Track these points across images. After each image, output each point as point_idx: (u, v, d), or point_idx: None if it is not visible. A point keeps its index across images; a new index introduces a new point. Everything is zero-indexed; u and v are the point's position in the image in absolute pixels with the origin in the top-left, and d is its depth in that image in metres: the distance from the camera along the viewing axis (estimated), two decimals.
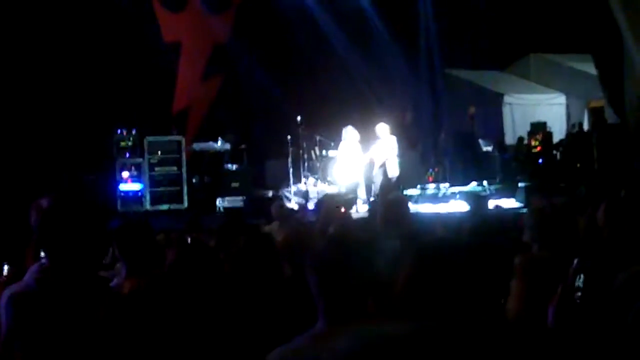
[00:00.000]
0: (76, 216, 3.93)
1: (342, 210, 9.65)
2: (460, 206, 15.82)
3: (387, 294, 3.39)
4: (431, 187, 18.63)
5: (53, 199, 3.97)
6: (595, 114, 19.79)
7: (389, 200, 7.88)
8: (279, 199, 17.40)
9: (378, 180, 17.68)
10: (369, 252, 3.26)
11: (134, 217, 11.23)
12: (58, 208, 3.93)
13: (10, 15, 17.57)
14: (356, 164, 17.51)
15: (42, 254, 4.17)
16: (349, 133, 17.62)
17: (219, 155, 19.38)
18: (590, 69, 20.22)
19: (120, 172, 17.98)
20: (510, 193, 16.97)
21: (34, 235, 3.97)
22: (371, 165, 17.74)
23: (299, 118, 18.76)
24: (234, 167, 19.26)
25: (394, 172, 17.65)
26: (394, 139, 17.74)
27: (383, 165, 17.60)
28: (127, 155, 18.17)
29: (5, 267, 8.37)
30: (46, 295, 3.79)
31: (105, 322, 3.84)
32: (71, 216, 3.92)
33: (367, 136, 17.88)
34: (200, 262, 4.82)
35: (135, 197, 18.06)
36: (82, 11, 18.57)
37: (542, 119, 21.35)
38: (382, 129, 17.67)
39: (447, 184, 18.47)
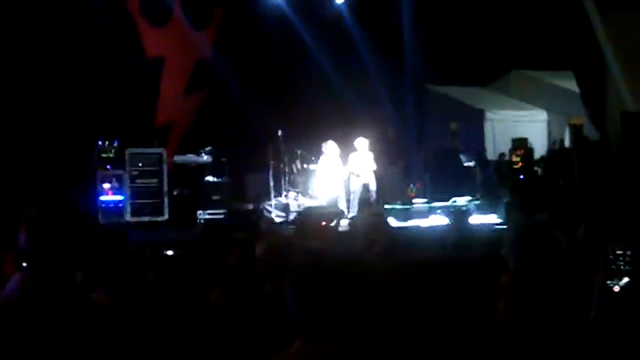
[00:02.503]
0: (63, 227, 3.92)
1: (324, 224, 9.62)
2: (441, 221, 15.86)
3: (367, 311, 3.36)
4: (412, 202, 18.64)
5: (40, 210, 3.96)
6: (575, 131, 19.86)
7: (368, 214, 7.87)
8: (260, 212, 17.42)
9: (357, 194, 17.71)
10: (347, 267, 3.21)
11: (111, 229, 11.17)
12: (45, 219, 3.92)
13: None
14: (336, 178, 17.53)
15: (24, 263, 4.13)
16: (330, 147, 17.66)
17: (200, 168, 19.34)
18: (572, 85, 20.31)
19: (101, 184, 17.92)
20: (492, 209, 17.03)
21: (18, 244, 3.94)
22: (350, 179, 17.77)
23: (279, 132, 18.75)
24: (215, 180, 19.22)
25: (373, 185, 17.71)
26: (371, 155, 17.80)
27: (362, 180, 17.63)
28: (109, 166, 18.10)
29: None
30: (28, 305, 3.76)
31: (87, 335, 3.81)
32: (58, 227, 3.90)
33: (348, 151, 17.91)
34: (181, 279, 4.78)
35: (116, 208, 18.00)
36: (66, 23, 18.56)
37: (523, 135, 21.41)
38: (361, 143, 17.73)
39: (427, 199, 18.50)
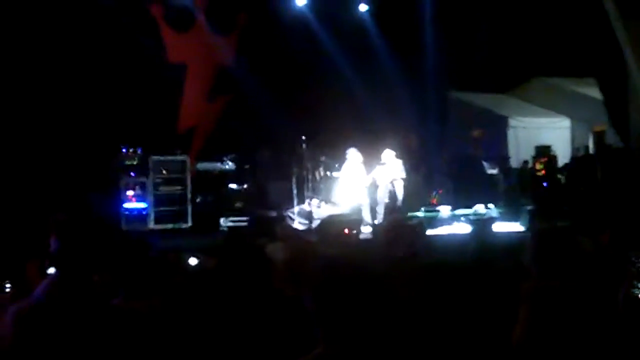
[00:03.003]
0: (92, 233, 3.97)
1: (346, 231, 9.63)
2: (463, 229, 15.82)
3: (383, 317, 3.38)
4: (435, 209, 18.62)
5: (71, 216, 4.01)
6: (598, 138, 19.81)
7: (393, 222, 7.87)
8: (283, 219, 17.41)
9: (383, 202, 17.68)
10: (369, 275, 3.24)
11: (133, 236, 11.21)
12: (76, 225, 3.98)
13: (17, 33, 17.65)
14: (359, 185, 17.52)
15: (51, 269, 4.18)
16: (352, 155, 17.63)
17: (223, 175, 19.39)
18: (594, 92, 20.25)
19: (125, 191, 17.97)
20: (514, 216, 16.96)
21: (48, 250, 4.00)
22: (375, 187, 17.74)
23: (303, 139, 18.78)
24: (238, 187, 19.26)
25: (400, 194, 17.69)
26: (399, 162, 17.76)
27: (390, 187, 17.61)
28: (132, 174, 18.14)
29: (8, 285, 8.35)
30: (57, 309, 3.81)
31: (111, 339, 3.85)
32: (87, 233, 3.96)
33: (371, 158, 17.88)
34: (203, 285, 4.81)
35: (140, 215, 18.02)
36: (90, 30, 18.64)
37: (546, 142, 21.35)
38: (388, 155, 17.69)
39: (450, 207, 18.47)
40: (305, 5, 22.99)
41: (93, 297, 3.95)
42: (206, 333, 4.55)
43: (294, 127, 20.15)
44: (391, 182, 17.67)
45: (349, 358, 3.05)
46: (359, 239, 10.85)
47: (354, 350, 3.08)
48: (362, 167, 17.61)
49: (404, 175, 17.78)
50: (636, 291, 4.47)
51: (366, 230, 16.17)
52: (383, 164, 17.65)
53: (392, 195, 17.73)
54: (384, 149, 17.79)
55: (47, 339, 3.75)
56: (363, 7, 24.08)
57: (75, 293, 3.88)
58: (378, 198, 17.75)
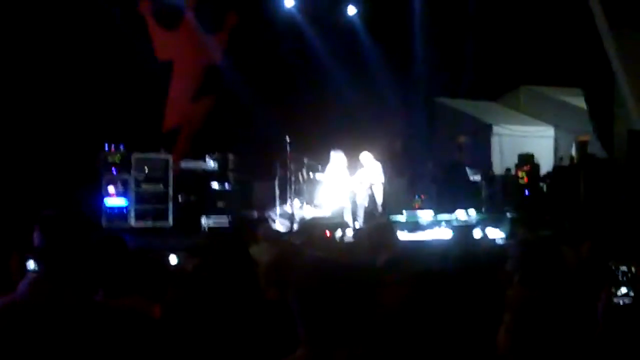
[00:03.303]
0: (76, 229, 3.95)
1: (328, 234, 9.64)
2: (445, 234, 15.85)
3: (368, 320, 3.36)
4: (417, 214, 18.62)
5: (56, 211, 4.00)
6: (581, 148, 19.86)
7: (375, 225, 7.87)
8: (265, 220, 17.38)
9: (363, 206, 17.69)
10: (350, 278, 3.21)
11: (110, 234, 11.14)
12: (61, 220, 3.96)
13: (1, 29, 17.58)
14: (343, 188, 17.51)
15: (32, 266, 4.15)
16: (336, 157, 17.63)
17: (206, 174, 19.34)
18: (580, 102, 20.32)
19: (106, 188, 17.90)
20: (496, 223, 17.00)
21: (30, 246, 3.96)
22: (355, 191, 17.75)
23: (287, 140, 18.75)
24: (221, 186, 19.22)
25: (379, 198, 17.68)
26: (379, 165, 17.77)
27: (369, 191, 17.61)
28: (114, 170, 18.07)
29: None
30: (41, 307, 3.77)
31: (99, 336, 3.82)
32: (72, 229, 3.94)
33: (355, 161, 17.89)
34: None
35: (120, 213, 17.96)
36: (75, 25, 18.57)
37: (530, 150, 21.40)
38: (365, 157, 17.70)
39: (432, 212, 18.48)
40: (294, 6, 22.98)
41: (78, 294, 3.91)
42: (189, 334, 4.52)
43: (278, 128, 20.13)
44: (370, 187, 17.66)
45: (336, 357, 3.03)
46: (343, 241, 10.86)
47: (336, 353, 3.05)
48: (346, 170, 17.61)
49: (382, 179, 17.78)
50: (616, 299, 4.47)
51: (348, 233, 16.18)
52: (361, 165, 17.66)
53: (371, 199, 17.74)
54: (363, 152, 17.79)
55: (30, 336, 3.72)
56: (352, 10, 24.09)
57: (59, 290, 3.85)
58: (358, 201, 17.75)
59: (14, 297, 3.90)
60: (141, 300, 4.74)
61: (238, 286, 5.17)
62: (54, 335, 3.72)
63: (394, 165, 18.99)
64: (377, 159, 17.88)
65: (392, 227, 8.13)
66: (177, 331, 4.47)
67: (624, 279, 4.67)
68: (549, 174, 20.53)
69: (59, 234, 3.93)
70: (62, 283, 3.87)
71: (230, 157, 19.80)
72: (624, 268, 4.69)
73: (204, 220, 18.18)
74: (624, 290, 4.54)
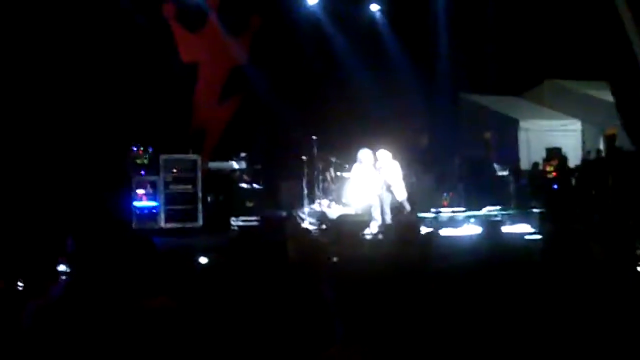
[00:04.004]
0: (106, 234, 4.03)
1: (356, 231, 9.67)
2: (474, 230, 15.83)
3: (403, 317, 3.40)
4: (446, 211, 18.61)
5: (89, 218, 4.12)
6: (609, 141, 19.78)
7: (402, 222, 7.91)
8: (294, 219, 17.41)
9: (386, 203, 17.66)
10: (383, 274, 3.26)
11: (139, 235, 11.16)
12: (91, 225, 4.07)
13: (32, 32, 17.73)
14: (370, 186, 17.49)
15: (62, 267, 4.22)
16: (365, 155, 17.58)
17: (234, 174, 19.40)
18: (607, 96, 20.23)
19: (136, 190, 18.00)
20: (525, 218, 16.96)
21: (62, 249, 4.05)
22: (381, 188, 17.72)
23: (314, 139, 18.78)
24: (249, 186, 19.28)
25: (401, 195, 17.61)
26: (396, 163, 17.72)
27: (389, 190, 17.58)
28: (143, 172, 18.16)
29: (20, 284, 8.38)
30: (73, 309, 3.84)
31: (127, 337, 3.88)
32: (104, 236, 4.02)
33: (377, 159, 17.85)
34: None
35: (150, 214, 18.04)
36: (103, 28, 18.71)
37: (557, 145, 21.34)
38: (383, 155, 17.64)
39: (462, 209, 18.47)
40: (317, 5, 23.04)
41: (109, 295, 3.98)
42: (221, 331, 4.57)
43: (305, 127, 20.17)
44: (388, 187, 17.58)
45: (370, 355, 3.07)
46: (372, 239, 10.88)
47: (376, 347, 3.10)
48: (374, 167, 17.58)
49: (400, 176, 17.69)
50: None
51: (375, 230, 16.17)
52: (379, 165, 17.59)
53: (394, 198, 17.70)
54: (380, 150, 17.73)
55: (64, 335, 3.79)
56: (374, 7, 24.12)
57: (91, 292, 3.92)
58: (384, 199, 17.72)
59: (47, 299, 3.98)
60: (168, 300, 4.80)
61: (265, 282, 5.20)
62: (88, 335, 3.79)
63: (420, 162, 18.97)
64: (397, 157, 17.80)
65: (419, 224, 8.17)
66: (207, 329, 4.52)
67: None
68: (577, 167, 20.47)
69: (89, 239, 4.01)
70: (94, 285, 3.94)
71: (258, 157, 19.87)
72: None
73: (233, 221, 18.22)
74: None
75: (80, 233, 4.04)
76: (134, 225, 17.60)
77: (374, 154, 17.50)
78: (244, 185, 19.29)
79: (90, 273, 3.95)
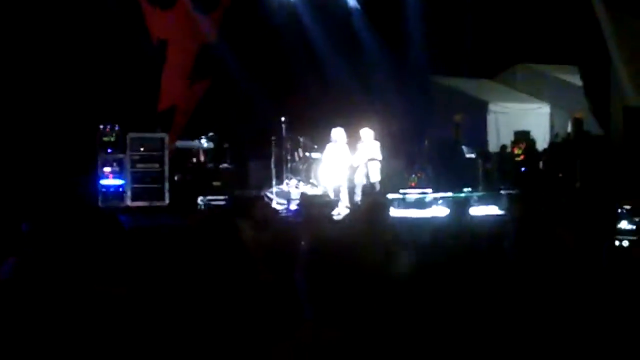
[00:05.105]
0: (63, 215, 3.96)
1: (325, 213, 9.65)
2: (441, 212, 15.86)
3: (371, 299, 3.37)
4: (413, 193, 18.61)
5: (42, 197, 4.05)
6: (577, 125, 19.88)
7: (370, 203, 7.88)
8: (262, 199, 17.35)
9: (360, 183, 17.67)
10: (353, 256, 3.22)
11: (102, 212, 11.07)
12: (47, 205, 4.00)
13: None
14: (342, 166, 17.47)
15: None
16: (338, 134, 17.54)
17: (202, 153, 19.32)
18: (576, 80, 20.32)
19: (102, 168, 17.87)
20: (492, 201, 17.01)
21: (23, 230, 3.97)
22: (353, 168, 17.71)
23: (282, 119, 18.70)
24: (217, 166, 19.20)
25: (375, 176, 17.65)
26: (377, 144, 17.75)
27: (364, 169, 17.59)
28: (110, 150, 18.04)
29: None
30: (23, 288, 3.77)
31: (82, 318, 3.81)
32: (58, 214, 3.95)
33: (352, 140, 17.84)
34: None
35: (117, 193, 17.93)
36: (69, 8, 18.52)
37: (526, 128, 21.42)
38: (366, 133, 17.68)
39: (429, 190, 18.48)
40: None
41: (62, 277, 3.90)
42: (183, 314, 4.50)
43: (274, 108, 20.11)
44: (366, 162, 17.63)
45: (342, 336, 3.05)
46: (340, 220, 10.86)
47: (347, 329, 3.07)
48: (346, 147, 17.55)
49: (380, 157, 17.75)
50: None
51: (344, 212, 16.16)
52: (361, 141, 17.63)
53: (367, 176, 17.71)
54: (364, 128, 17.77)
55: (13, 316, 3.71)
56: None
57: (43, 272, 3.84)
58: (355, 179, 17.71)
59: None
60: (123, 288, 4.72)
61: (227, 267, 5.14)
62: (35, 315, 3.72)
63: (390, 144, 18.96)
64: (376, 138, 17.84)
65: (387, 205, 8.15)
66: (169, 316, 4.45)
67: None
68: (545, 150, 20.56)
69: (48, 218, 3.93)
70: (47, 265, 3.87)
71: (226, 136, 19.78)
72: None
73: (200, 200, 18.14)
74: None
75: (39, 211, 3.96)
76: (100, 204, 17.50)
77: (359, 132, 17.54)
78: (212, 164, 19.21)
79: (44, 253, 3.87)
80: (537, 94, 23.88)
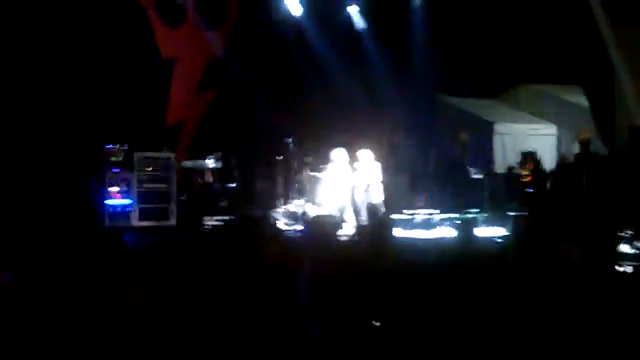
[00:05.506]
0: (64, 228, 3.99)
1: (330, 232, 9.62)
2: (447, 233, 15.83)
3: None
4: (419, 213, 18.61)
5: (43, 213, 4.09)
6: (583, 145, 19.86)
7: (375, 224, 7.90)
8: (269, 219, 17.35)
9: (363, 204, 17.64)
10: (356, 274, 3.25)
11: (108, 232, 11.07)
12: (48, 220, 4.03)
13: (4, 23, 17.59)
14: (344, 186, 17.46)
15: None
16: (339, 155, 17.56)
17: (209, 173, 19.34)
18: (581, 100, 20.32)
19: (109, 187, 17.89)
20: (499, 221, 16.98)
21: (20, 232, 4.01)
22: (354, 189, 17.69)
23: (289, 139, 18.74)
24: (223, 185, 19.22)
25: (378, 197, 17.61)
26: (378, 165, 17.71)
27: (367, 190, 17.56)
28: (117, 170, 18.07)
29: None
30: (24, 295, 3.80)
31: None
32: (59, 227, 3.98)
33: (357, 159, 17.84)
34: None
35: (123, 212, 17.96)
36: (79, 24, 18.56)
37: (532, 148, 21.40)
38: (365, 155, 17.62)
39: (435, 211, 18.46)
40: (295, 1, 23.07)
41: (57, 286, 3.93)
42: (195, 329, 4.53)
43: (280, 127, 20.14)
44: (367, 187, 17.56)
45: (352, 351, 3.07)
46: (345, 240, 10.84)
47: (356, 344, 3.10)
48: (348, 167, 17.55)
49: (380, 178, 17.70)
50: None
51: (350, 232, 16.13)
52: (359, 164, 17.60)
53: (369, 197, 17.68)
54: (362, 150, 17.73)
55: (13, 323, 3.74)
56: (353, 7, 24.15)
57: (44, 279, 3.87)
58: (358, 199, 17.68)
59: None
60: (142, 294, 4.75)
61: (240, 282, 5.17)
62: (34, 321, 3.74)
63: (394, 159, 18.95)
64: (377, 158, 17.81)
65: (391, 225, 8.16)
66: (177, 327, 4.48)
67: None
68: (552, 171, 20.53)
69: (45, 224, 3.98)
70: (46, 272, 3.90)
71: (233, 156, 19.81)
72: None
73: (206, 220, 18.15)
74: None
75: (37, 216, 4.00)
76: (106, 223, 17.52)
77: (356, 154, 17.51)
78: (219, 184, 19.23)
79: (42, 258, 3.90)
80: (542, 115, 23.86)
